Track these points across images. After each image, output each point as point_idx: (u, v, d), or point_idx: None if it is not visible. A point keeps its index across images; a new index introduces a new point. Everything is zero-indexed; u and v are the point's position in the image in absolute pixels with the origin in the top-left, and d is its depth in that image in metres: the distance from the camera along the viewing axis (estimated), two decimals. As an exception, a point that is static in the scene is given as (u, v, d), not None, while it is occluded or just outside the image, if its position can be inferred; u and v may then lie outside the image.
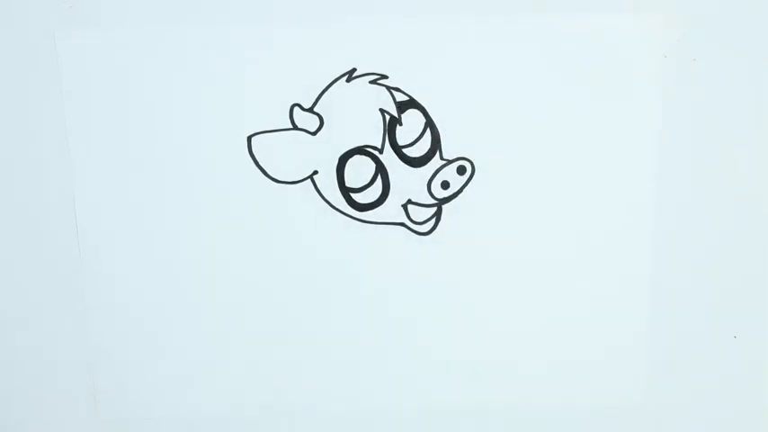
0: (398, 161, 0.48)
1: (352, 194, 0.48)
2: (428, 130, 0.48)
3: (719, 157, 0.48)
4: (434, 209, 0.48)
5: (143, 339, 0.50)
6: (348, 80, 0.47)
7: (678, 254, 0.49)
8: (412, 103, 0.47)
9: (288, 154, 0.48)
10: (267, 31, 0.46)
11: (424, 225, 0.49)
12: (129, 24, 0.46)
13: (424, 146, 0.48)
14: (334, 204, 0.48)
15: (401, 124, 0.47)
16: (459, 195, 0.48)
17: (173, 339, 0.50)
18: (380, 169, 0.48)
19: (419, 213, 0.49)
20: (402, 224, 0.49)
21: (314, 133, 0.48)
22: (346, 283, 0.49)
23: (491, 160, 0.48)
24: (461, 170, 0.48)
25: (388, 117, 0.47)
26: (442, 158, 0.48)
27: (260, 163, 0.48)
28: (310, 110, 0.47)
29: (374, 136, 0.48)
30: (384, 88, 0.47)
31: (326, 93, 0.47)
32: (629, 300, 0.49)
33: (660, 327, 0.50)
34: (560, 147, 0.47)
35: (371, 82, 0.47)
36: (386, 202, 0.48)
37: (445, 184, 0.48)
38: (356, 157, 0.48)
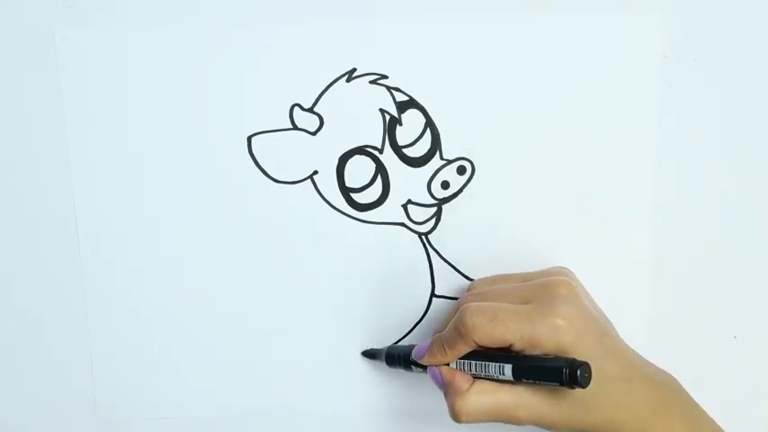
0: (398, 161, 0.48)
1: (352, 194, 0.48)
2: (428, 130, 0.48)
3: (719, 156, 0.48)
4: (434, 209, 0.48)
5: (143, 340, 0.50)
6: (348, 80, 0.47)
7: (678, 254, 0.49)
8: (412, 103, 0.47)
9: (288, 154, 0.48)
10: (267, 32, 0.46)
11: (423, 225, 0.49)
12: (128, 24, 0.46)
13: (424, 146, 0.48)
14: (334, 204, 0.48)
15: (401, 124, 0.47)
16: (459, 195, 0.48)
17: (172, 340, 0.50)
18: (380, 169, 0.48)
19: (419, 213, 0.49)
20: (402, 224, 0.49)
21: (314, 133, 0.48)
22: (346, 283, 0.49)
23: (491, 160, 0.48)
24: (461, 170, 0.48)
25: (388, 117, 0.47)
26: (442, 158, 0.48)
27: (260, 163, 0.48)
28: (310, 110, 0.47)
29: (374, 136, 0.48)
30: (384, 88, 0.47)
31: (326, 93, 0.47)
32: (630, 299, 0.49)
33: (660, 326, 0.50)
34: (560, 146, 0.47)
35: (371, 82, 0.47)
36: (386, 202, 0.48)
37: (445, 184, 0.48)
38: (356, 157, 0.48)
